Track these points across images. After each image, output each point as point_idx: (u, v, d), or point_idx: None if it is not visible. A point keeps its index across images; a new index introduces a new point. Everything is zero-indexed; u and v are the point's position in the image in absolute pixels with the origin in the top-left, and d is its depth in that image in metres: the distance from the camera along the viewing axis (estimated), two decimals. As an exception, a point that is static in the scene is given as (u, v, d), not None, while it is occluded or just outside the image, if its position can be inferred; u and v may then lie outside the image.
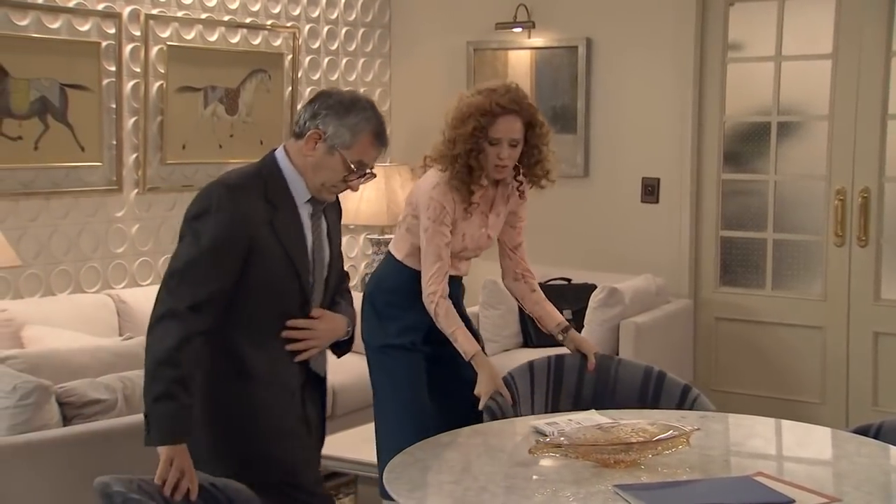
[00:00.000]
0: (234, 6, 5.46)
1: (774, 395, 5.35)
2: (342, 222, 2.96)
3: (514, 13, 5.77)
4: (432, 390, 3.40)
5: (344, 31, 6.06)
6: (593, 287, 5.11)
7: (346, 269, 3.00)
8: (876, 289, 5.15)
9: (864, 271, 5.15)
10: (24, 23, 4.61)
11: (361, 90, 6.13)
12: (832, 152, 5.20)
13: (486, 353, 3.35)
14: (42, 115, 4.66)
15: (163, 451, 2.48)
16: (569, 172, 5.58)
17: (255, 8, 5.56)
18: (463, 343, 3.25)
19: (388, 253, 3.48)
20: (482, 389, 3.22)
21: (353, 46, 6.11)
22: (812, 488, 2.48)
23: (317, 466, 2.86)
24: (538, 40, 5.80)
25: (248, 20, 5.52)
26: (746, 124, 5.52)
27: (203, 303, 2.54)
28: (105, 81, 4.89)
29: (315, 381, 2.82)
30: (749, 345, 5.47)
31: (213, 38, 5.36)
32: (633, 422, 2.79)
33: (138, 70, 5.03)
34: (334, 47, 6.02)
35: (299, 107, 5.66)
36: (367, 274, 5.66)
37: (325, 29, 5.96)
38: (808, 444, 3.07)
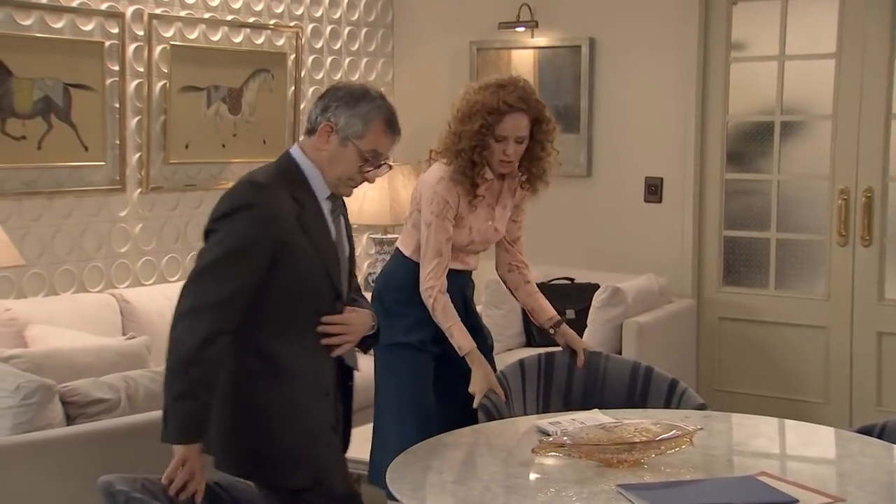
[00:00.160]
0: (237, 6, 5.46)
1: (778, 395, 5.35)
2: None
3: (517, 13, 5.76)
4: (439, 389, 3.40)
5: (347, 30, 6.06)
6: (596, 287, 5.11)
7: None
8: (879, 288, 5.14)
9: (868, 271, 5.15)
10: (27, 22, 4.61)
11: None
12: (836, 152, 5.20)
13: (493, 350, 3.36)
14: (45, 115, 4.66)
15: (177, 450, 2.47)
16: (572, 172, 5.58)
17: (259, 7, 5.56)
18: (458, 339, 3.26)
19: (397, 249, 3.48)
20: (476, 387, 3.23)
21: (356, 46, 6.11)
22: (816, 488, 2.48)
23: (345, 466, 2.83)
24: (541, 40, 5.80)
25: (251, 20, 5.52)
26: (750, 124, 5.52)
27: (229, 301, 2.51)
28: (108, 81, 4.89)
29: (345, 379, 2.80)
30: (752, 345, 5.46)
31: (217, 37, 5.36)
32: (637, 421, 2.79)
33: (141, 70, 5.03)
34: (337, 47, 6.02)
35: (305, 105, 5.73)
36: (370, 273, 5.66)
37: (328, 28, 5.96)
38: (811, 443, 3.07)
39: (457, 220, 3.32)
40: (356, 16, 6.10)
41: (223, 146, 5.38)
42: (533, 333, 5.28)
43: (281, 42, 5.68)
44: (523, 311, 5.09)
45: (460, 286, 3.42)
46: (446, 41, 6.06)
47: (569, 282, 5.43)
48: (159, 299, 4.80)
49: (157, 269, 5.19)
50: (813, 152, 5.34)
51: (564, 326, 3.53)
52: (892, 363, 5.11)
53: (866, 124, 5.10)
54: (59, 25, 4.72)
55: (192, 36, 5.25)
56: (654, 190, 5.57)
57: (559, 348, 3.54)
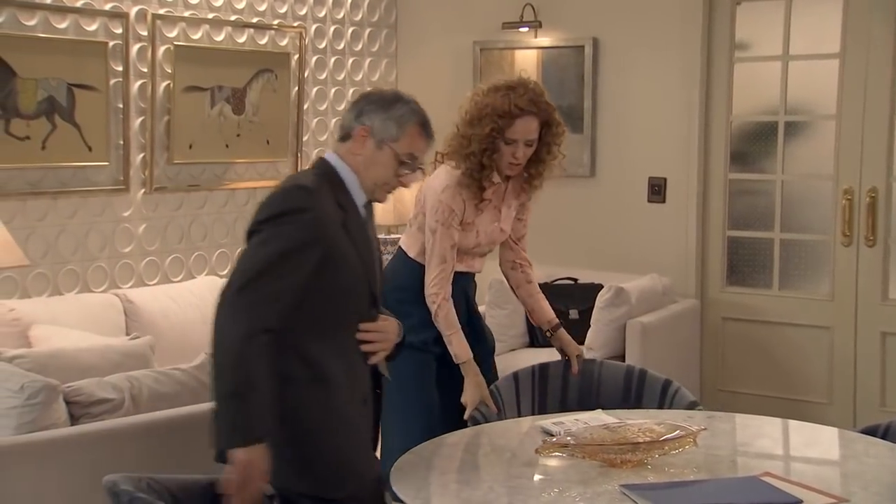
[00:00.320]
0: (240, 6, 5.46)
1: (781, 396, 5.34)
2: None
3: (520, 13, 5.76)
4: (441, 390, 3.40)
5: (350, 30, 6.06)
6: (600, 287, 5.11)
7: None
8: (884, 289, 5.13)
9: (872, 271, 5.14)
10: (31, 23, 4.62)
11: (367, 90, 6.13)
12: (840, 152, 5.19)
13: (494, 351, 3.36)
14: (49, 115, 4.67)
15: (235, 454, 2.39)
16: (575, 172, 5.57)
17: (262, 8, 5.57)
18: (457, 347, 3.27)
19: (400, 249, 3.49)
20: (468, 398, 3.24)
21: (360, 46, 6.12)
22: (820, 489, 2.48)
23: (380, 481, 2.75)
24: (545, 40, 5.80)
25: (254, 20, 5.52)
26: (753, 124, 5.51)
27: (274, 300, 2.46)
28: (112, 81, 4.90)
29: (375, 386, 2.77)
30: (756, 345, 5.46)
31: (220, 37, 5.37)
32: (640, 422, 2.79)
33: (145, 70, 5.04)
34: (340, 47, 6.02)
35: (308, 105, 5.73)
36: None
37: (332, 29, 5.96)
38: (815, 444, 3.07)
39: (463, 225, 3.32)
40: (359, 16, 6.10)
41: (227, 146, 5.39)
42: (536, 334, 5.28)
43: (284, 42, 5.68)
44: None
45: (463, 288, 3.42)
46: (450, 41, 6.06)
47: (572, 282, 5.43)
48: (163, 299, 4.81)
49: (161, 269, 5.19)
50: (817, 152, 5.34)
51: (561, 331, 3.54)
52: (896, 363, 5.11)
53: (870, 124, 5.10)
54: (62, 26, 4.73)
55: (196, 36, 5.26)
56: (657, 190, 5.57)
57: (553, 359, 3.55)
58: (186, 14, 5.21)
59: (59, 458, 3.09)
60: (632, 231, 5.62)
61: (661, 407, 3.33)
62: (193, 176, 5.30)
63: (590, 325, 4.98)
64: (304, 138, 5.80)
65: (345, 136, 2.69)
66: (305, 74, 5.77)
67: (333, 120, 5.97)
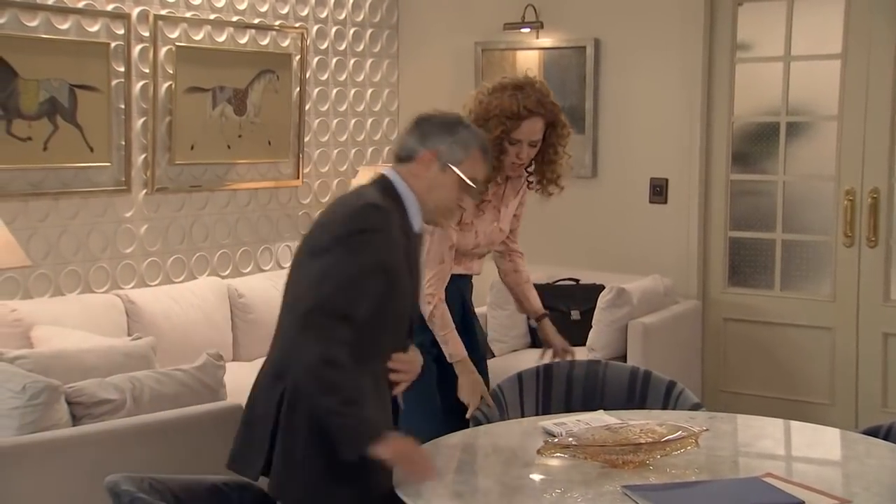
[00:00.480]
0: (242, 7, 5.46)
1: (783, 396, 5.34)
2: None
3: (522, 13, 5.76)
4: (441, 391, 3.40)
5: (352, 31, 6.06)
6: (601, 287, 5.11)
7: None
8: (885, 289, 5.13)
9: (874, 272, 5.14)
10: (33, 23, 4.62)
11: (369, 91, 6.15)
12: (841, 152, 5.19)
13: (486, 349, 3.36)
14: (51, 116, 4.67)
15: (378, 451, 2.41)
16: (577, 173, 5.56)
17: (264, 9, 5.57)
18: (452, 346, 3.27)
19: None
20: (465, 395, 3.23)
21: (362, 47, 6.12)
22: (821, 489, 2.48)
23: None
24: (546, 41, 5.80)
25: (256, 21, 5.53)
26: (755, 124, 5.51)
27: (351, 317, 2.44)
28: (114, 82, 4.90)
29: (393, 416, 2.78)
30: (758, 346, 5.46)
31: (222, 38, 5.37)
32: (642, 422, 2.79)
33: (147, 71, 5.04)
34: (342, 48, 6.02)
35: (310, 106, 5.73)
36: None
37: (334, 29, 5.96)
38: (817, 445, 3.06)
39: (462, 226, 3.32)
40: (361, 16, 6.10)
41: (228, 147, 5.39)
42: (538, 335, 5.27)
43: (286, 43, 5.68)
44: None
45: (460, 290, 3.42)
46: (451, 42, 6.06)
47: (574, 282, 5.43)
48: (164, 300, 4.81)
49: (163, 269, 5.19)
50: (818, 153, 5.33)
51: (546, 322, 3.59)
52: (898, 364, 5.11)
53: (872, 125, 5.09)
54: (64, 26, 4.73)
55: (198, 37, 5.26)
56: (659, 191, 5.56)
57: (556, 360, 3.57)
58: (188, 15, 5.21)
59: (60, 458, 3.09)
60: (633, 232, 5.62)
61: (665, 408, 3.33)
62: (195, 176, 5.31)
63: (591, 326, 4.98)
64: (306, 139, 5.80)
65: (405, 158, 2.66)
66: (307, 75, 5.77)
67: (335, 121, 5.97)
